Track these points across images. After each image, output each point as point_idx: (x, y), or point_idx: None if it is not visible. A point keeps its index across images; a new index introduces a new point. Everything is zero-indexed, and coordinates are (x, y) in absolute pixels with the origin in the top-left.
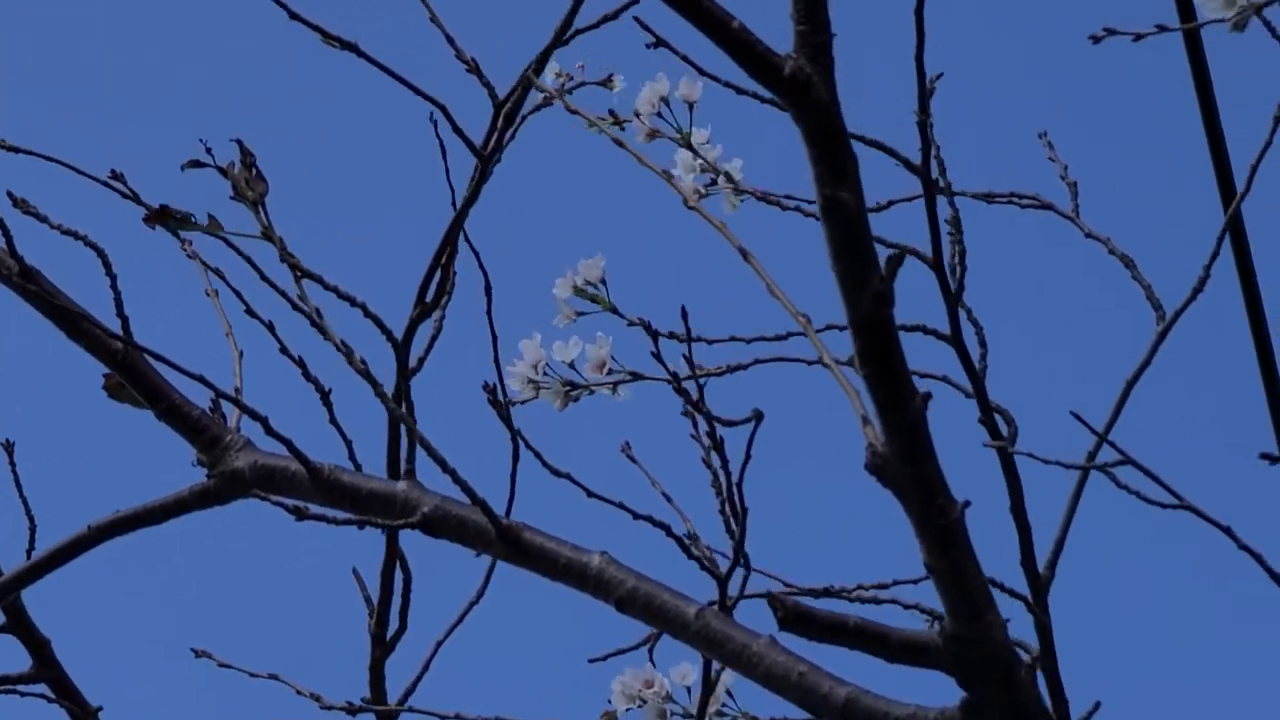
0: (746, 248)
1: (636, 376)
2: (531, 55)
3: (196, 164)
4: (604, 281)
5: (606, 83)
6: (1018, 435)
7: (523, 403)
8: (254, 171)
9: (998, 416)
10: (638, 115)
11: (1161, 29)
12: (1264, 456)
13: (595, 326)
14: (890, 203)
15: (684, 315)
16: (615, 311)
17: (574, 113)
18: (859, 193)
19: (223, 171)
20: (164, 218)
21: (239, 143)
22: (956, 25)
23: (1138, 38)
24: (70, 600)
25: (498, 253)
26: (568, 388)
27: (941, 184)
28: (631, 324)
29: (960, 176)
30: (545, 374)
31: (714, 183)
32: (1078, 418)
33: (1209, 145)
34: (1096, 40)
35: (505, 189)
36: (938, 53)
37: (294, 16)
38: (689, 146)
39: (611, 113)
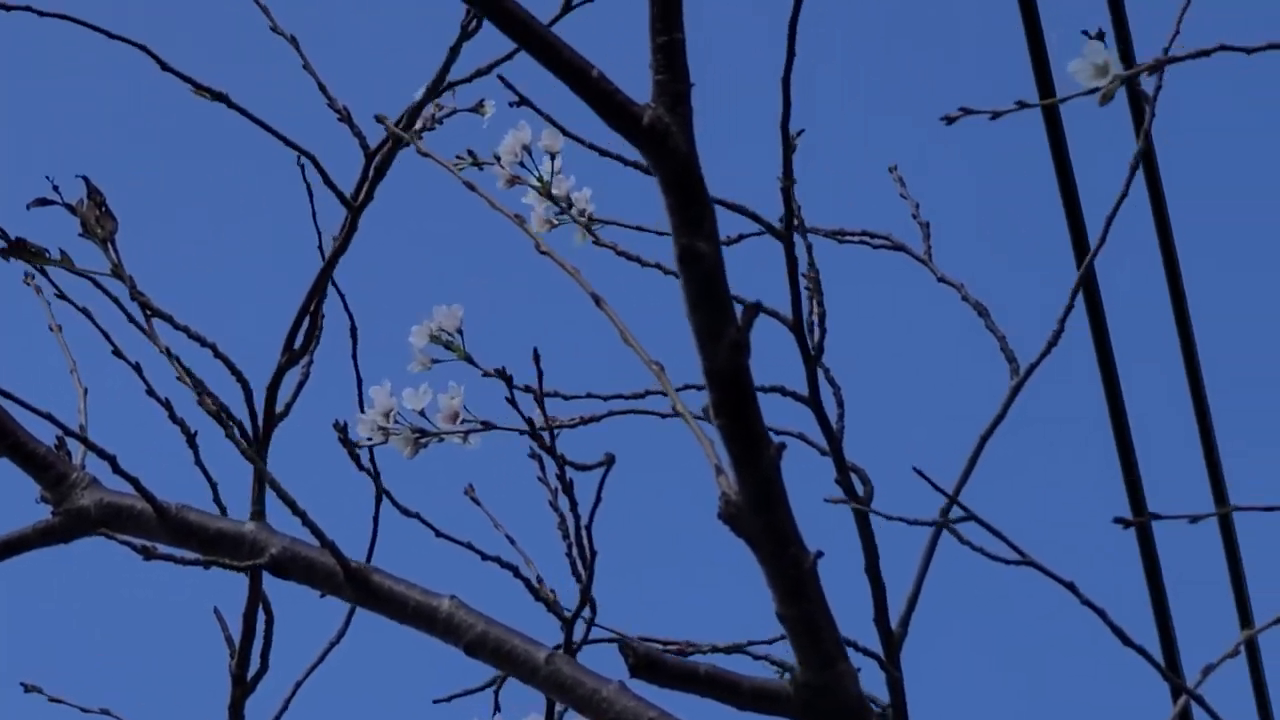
0: (599, 294)
1: (488, 426)
2: (408, 101)
3: (44, 201)
4: (460, 331)
5: (478, 108)
6: (874, 494)
7: (370, 446)
8: (103, 209)
9: (854, 476)
10: (498, 159)
11: (1022, 105)
12: (1118, 520)
13: (451, 373)
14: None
15: (536, 358)
16: (470, 361)
17: (425, 155)
18: (716, 243)
19: (71, 209)
20: (19, 251)
21: (86, 180)
22: (818, 56)
23: (995, 116)
24: None
25: (365, 293)
26: (417, 434)
27: (803, 244)
28: (487, 374)
29: (818, 213)
30: (396, 421)
31: (564, 212)
32: (922, 475)
33: (1065, 209)
34: (950, 121)
35: (374, 228)
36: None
37: (165, 68)
38: (548, 196)
39: (470, 153)
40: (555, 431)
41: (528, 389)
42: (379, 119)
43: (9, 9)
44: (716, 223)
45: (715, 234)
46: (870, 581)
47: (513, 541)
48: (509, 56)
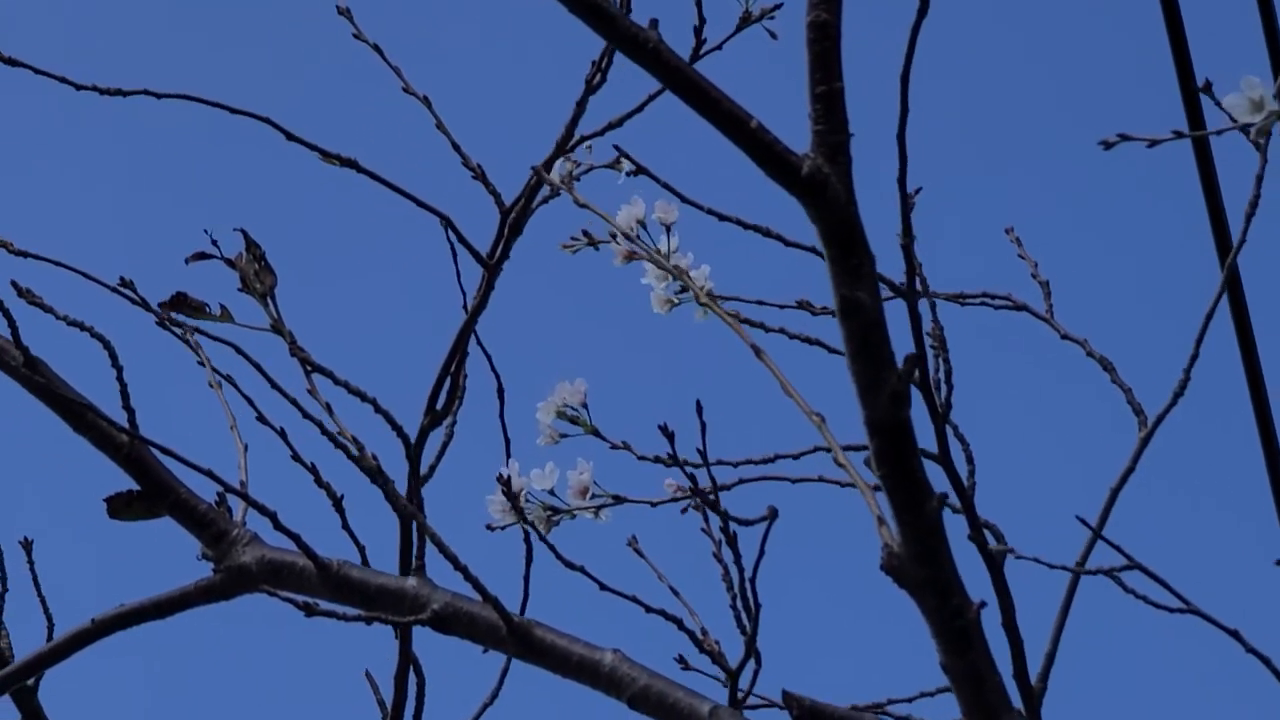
0: (759, 345)
1: (619, 500)
2: (537, 156)
3: (202, 255)
4: (585, 405)
5: (615, 165)
6: (1007, 551)
7: (503, 528)
8: (262, 263)
9: (987, 532)
10: (614, 238)
11: (1179, 135)
12: None
13: (580, 447)
14: None
15: (699, 410)
16: (597, 434)
17: (583, 205)
18: (876, 293)
19: (230, 263)
20: (180, 306)
21: (244, 233)
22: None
23: (1152, 144)
24: (79, 694)
25: (510, 347)
26: (549, 513)
27: (926, 302)
28: (614, 447)
29: (934, 272)
30: (527, 501)
31: (683, 290)
32: (1087, 525)
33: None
34: (1108, 146)
35: (518, 282)
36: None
37: (290, 137)
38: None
39: (585, 233)
40: (716, 481)
41: (685, 462)
42: (536, 171)
43: (127, 94)
44: (877, 273)
45: (875, 285)
46: (1008, 636)
47: (677, 594)
48: (639, 109)
